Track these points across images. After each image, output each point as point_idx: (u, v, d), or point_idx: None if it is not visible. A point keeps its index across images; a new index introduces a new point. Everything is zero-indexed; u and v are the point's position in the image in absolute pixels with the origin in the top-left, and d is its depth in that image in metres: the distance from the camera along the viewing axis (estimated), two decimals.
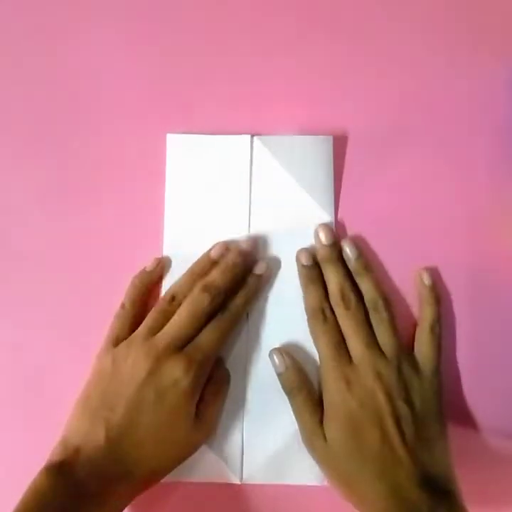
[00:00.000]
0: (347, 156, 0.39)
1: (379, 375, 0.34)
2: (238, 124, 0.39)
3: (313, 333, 0.37)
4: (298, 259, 0.38)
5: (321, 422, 0.35)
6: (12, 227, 0.39)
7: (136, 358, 0.34)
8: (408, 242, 0.39)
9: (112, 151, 0.39)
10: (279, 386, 0.37)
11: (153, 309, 0.36)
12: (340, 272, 0.37)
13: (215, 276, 0.36)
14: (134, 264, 0.38)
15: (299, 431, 0.36)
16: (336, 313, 0.36)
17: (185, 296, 0.36)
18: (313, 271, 0.37)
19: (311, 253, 0.38)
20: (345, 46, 0.40)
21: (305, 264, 0.37)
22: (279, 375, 0.37)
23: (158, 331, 0.35)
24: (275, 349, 0.37)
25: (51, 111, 0.40)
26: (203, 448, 0.36)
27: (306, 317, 0.37)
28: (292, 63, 0.40)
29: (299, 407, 0.36)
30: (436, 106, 0.39)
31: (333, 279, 0.37)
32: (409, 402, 0.34)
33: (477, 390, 0.38)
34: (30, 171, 0.39)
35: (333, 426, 0.34)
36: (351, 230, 0.39)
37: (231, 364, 0.38)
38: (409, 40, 0.40)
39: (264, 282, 0.38)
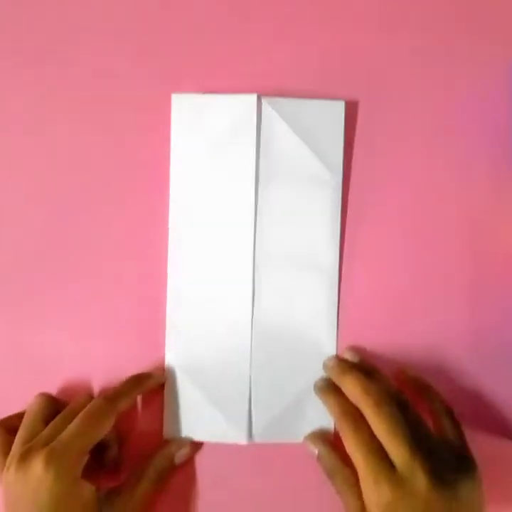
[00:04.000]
0: (357, 122, 0.39)
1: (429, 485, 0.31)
2: (246, 86, 0.38)
3: (345, 441, 0.33)
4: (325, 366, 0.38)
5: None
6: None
7: (10, 473, 0.32)
8: (407, 239, 0.39)
9: (117, 113, 0.39)
10: (285, 342, 0.38)
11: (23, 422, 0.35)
12: (357, 374, 0.35)
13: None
14: (140, 229, 0.39)
15: (306, 388, 0.38)
16: (366, 414, 0.33)
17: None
18: (328, 382, 0.37)
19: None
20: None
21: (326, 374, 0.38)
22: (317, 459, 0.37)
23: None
24: (307, 436, 0.37)
25: (56, 71, 0.39)
26: (209, 408, 0.37)
27: (311, 275, 0.38)
28: (302, 25, 0.39)
29: (338, 488, 0.35)
30: (435, 105, 0.39)
31: (350, 381, 0.35)
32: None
33: (477, 391, 0.38)
34: (39, 133, 0.39)
35: None
36: (359, 194, 0.39)
37: (235, 320, 0.38)
38: (408, 40, 0.39)
39: (153, 382, 0.37)
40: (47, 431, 0.33)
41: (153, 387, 0.38)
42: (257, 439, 0.38)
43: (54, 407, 0.36)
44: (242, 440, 0.37)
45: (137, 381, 0.37)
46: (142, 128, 0.39)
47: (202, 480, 0.38)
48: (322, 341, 0.38)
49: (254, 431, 0.38)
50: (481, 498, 0.32)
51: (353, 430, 0.33)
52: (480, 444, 0.35)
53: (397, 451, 0.31)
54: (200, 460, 0.38)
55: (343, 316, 0.39)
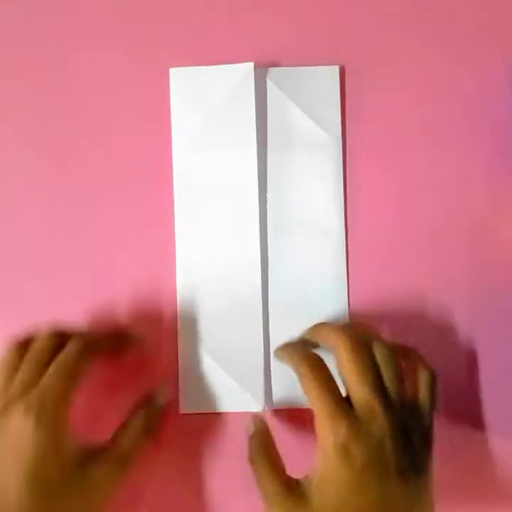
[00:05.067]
0: (347, 87, 0.39)
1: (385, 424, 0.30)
2: (239, 59, 0.38)
3: (303, 384, 0.31)
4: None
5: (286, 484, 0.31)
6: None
7: None
8: (408, 199, 0.39)
9: (116, 92, 0.39)
10: (297, 306, 0.38)
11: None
12: (333, 324, 0.35)
13: (60, 325, 0.35)
14: (145, 206, 0.39)
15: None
16: (338, 357, 0.31)
17: None
18: (286, 343, 0.36)
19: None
20: None
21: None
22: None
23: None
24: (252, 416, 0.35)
25: (55, 53, 0.39)
26: (225, 379, 0.37)
27: (318, 238, 0.38)
28: None
29: (259, 471, 0.32)
30: (435, 106, 0.39)
31: (325, 328, 0.34)
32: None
33: (478, 392, 0.37)
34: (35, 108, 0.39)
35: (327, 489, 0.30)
36: (358, 159, 0.39)
37: (249, 291, 0.38)
38: (407, 40, 0.39)
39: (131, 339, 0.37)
40: (17, 381, 0.32)
41: (129, 345, 0.37)
42: (274, 405, 0.37)
43: (22, 351, 0.34)
44: (258, 408, 0.37)
45: (114, 332, 0.36)
46: (143, 105, 0.39)
47: (218, 450, 0.37)
48: (333, 302, 0.38)
49: (270, 398, 0.37)
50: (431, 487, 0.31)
51: (310, 370, 0.31)
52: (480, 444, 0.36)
53: (359, 390, 0.30)
54: (218, 431, 0.38)
55: (353, 277, 0.39)
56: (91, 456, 0.32)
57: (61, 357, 0.32)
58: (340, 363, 0.31)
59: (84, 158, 0.39)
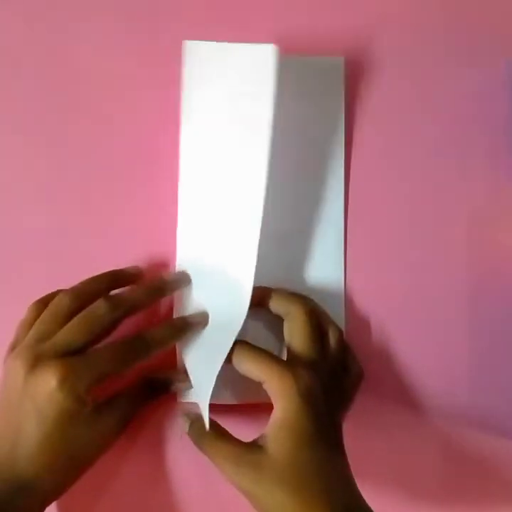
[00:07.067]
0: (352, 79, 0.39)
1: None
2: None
3: (245, 366, 0.33)
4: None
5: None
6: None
7: (17, 366, 0.30)
8: (408, 195, 0.39)
9: (126, 61, 0.38)
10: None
11: (45, 311, 0.33)
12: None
13: (126, 290, 0.34)
14: (150, 186, 0.38)
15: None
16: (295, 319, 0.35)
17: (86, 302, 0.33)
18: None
19: None
20: None
21: None
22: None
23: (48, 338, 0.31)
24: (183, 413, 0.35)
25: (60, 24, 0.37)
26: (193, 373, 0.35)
27: (318, 233, 0.38)
28: None
29: (211, 450, 0.32)
30: (435, 105, 0.39)
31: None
32: None
33: (477, 392, 0.38)
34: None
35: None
36: (360, 153, 0.39)
37: (210, 304, 0.36)
38: (407, 40, 0.39)
39: (195, 328, 0.35)
40: (62, 336, 0.31)
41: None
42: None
43: (74, 304, 0.33)
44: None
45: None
46: (153, 77, 0.38)
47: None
48: (330, 299, 0.38)
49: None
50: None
51: (246, 349, 0.33)
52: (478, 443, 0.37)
53: (309, 349, 0.33)
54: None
55: (351, 273, 0.39)
56: (101, 407, 0.32)
57: (122, 344, 0.32)
58: (295, 325, 0.34)
59: (88, 138, 0.38)
